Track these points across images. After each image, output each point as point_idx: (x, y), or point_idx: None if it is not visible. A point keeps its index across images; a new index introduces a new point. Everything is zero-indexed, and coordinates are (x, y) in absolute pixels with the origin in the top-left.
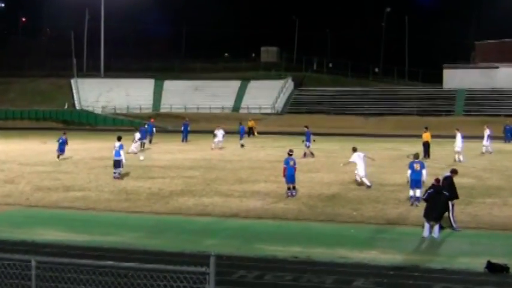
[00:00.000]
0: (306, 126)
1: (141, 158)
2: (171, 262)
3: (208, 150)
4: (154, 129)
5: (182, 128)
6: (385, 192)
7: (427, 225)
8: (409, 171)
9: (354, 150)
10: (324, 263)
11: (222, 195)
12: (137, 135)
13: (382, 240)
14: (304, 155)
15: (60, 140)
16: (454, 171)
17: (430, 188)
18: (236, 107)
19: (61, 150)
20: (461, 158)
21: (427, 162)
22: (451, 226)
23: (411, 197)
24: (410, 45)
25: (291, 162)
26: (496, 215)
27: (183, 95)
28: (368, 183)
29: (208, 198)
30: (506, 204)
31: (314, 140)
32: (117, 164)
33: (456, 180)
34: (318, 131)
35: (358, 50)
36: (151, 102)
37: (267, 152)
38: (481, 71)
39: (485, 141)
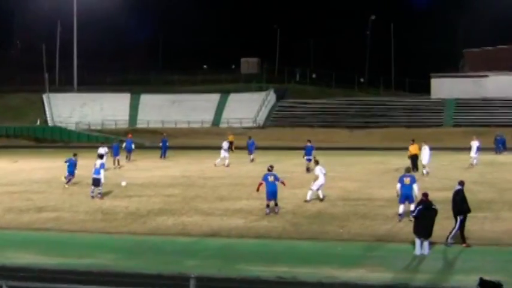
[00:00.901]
0: (309, 140)
1: (123, 183)
2: (149, 285)
3: (188, 166)
4: (133, 145)
5: (160, 144)
6: (373, 208)
7: (418, 242)
8: (398, 185)
9: (317, 163)
10: (310, 283)
11: (203, 214)
12: (101, 150)
13: (370, 258)
14: (308, 169)
15: (68, 163)
16: (463, 183)
17: (419, 203)
18: (216, 121)
19: (71, 173)
20: (425, 171)
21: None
22: (446, 240)
23: (399, 214)
24: (396, 54)
25: (270, 178)
26: (488, 229)
27: (160, 109)
28: (308, 197)
29: (188, 217)
30: (499, 218)
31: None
32: (96, 182)
33: (445, 194)
34: (302, 144)
35: (342, 60)
36: (127, 117)
37: (249, 168)
38: (470, 80)
39: (473, 153)
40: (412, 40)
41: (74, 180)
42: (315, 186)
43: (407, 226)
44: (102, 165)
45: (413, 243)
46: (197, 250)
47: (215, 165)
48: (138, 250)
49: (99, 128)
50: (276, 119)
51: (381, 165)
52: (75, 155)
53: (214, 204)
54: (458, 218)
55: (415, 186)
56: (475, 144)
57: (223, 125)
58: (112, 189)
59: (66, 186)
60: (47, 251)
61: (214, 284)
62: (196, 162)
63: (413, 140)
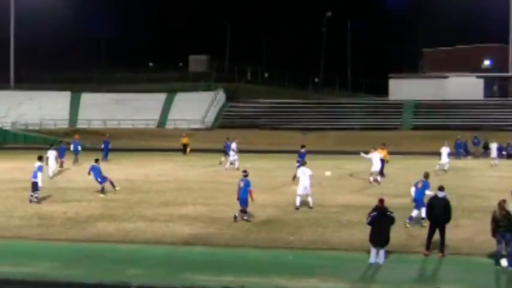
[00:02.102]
0: (303, 146)
1: (328, 173)
2: None
3: (131, 169)
4: (79, 147)
5: (102, 146)
6: (326, 215)
7: (373, 251)
8: (412, 189)
9: (303, 164)
10: None
11: (146, 220)
12: (50, 153)
13: (323, 267)
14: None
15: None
16: (443, 188)
17: (373, 210)
18: (162, 122)
19: (101, 179)
20: (378, 178)
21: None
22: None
23: (410, 217)
24: (353, 53)
25: (241, 184)
26: (447, 238)
27: (102, 108)
28: (297, 204)
29: (131, 223)
30: (458, 226)
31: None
32: (34, 186)
33: (402, 200)
34: (252, 147)
35: (296, 58)
36: (67, 117)
37: (196, 172)
38: (429, 81)
39: (444, 159)
40: (370, 39)
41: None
42: (300, 190)
43: (361, 233)
44: (39, 168)
45: (369, 251)
46: (140, 258)
47: (226, 169)
48: (77, 258)
49: (37, 128)
50: (225, 120)
51: (335, 170)
52: (96, 160)
53: (158, 210)
54: (446, 226)
55: (427, 192)
56: (445, 150)
57: (169, 126)
58: (49, 193)
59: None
60: None
61: None
62: (140, 166)
63: (384, 144)
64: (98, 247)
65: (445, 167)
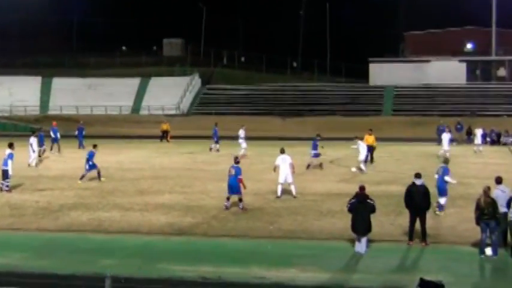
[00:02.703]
0: (318, 135)
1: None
2: (62, 286)
3: (105, 157)
4: (58, 134)
5: (76, 133)
6: (306, 203)
7: (356, 239)
8: (436, 176)
9: (281, 152)
10: (238, 283)
11: (121, 209)
12: (32, 139)
13: (302, 256)
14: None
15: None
16: (420, 175)
17: (353, 197)
18: (136, 108)
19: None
20: (362, 167)
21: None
22: (423, 240)
23: (439, 205)
24: (332, 37)
25: (232, 171)
26: (429, 226)
27: (74, 94)
28: (279, 193)
29: (105, 212)
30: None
31: (322, 147)
32: (4, 174)
33: (384, 188)
34: (229, 134)
35: (273, 42)
36: (38, 102)
37: (172, 159)
38: (411, 65)
39: (446, 147)
40: (349, 22)
41: None
42: (281, 179)
43: (341, 222)
44: (9, 156)
45: (349, 240)
46: (114, 248)
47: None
48: (50, 248)
49: (7, 114)
50: (201, 106)
51: None
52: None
53: (133, 199)
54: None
55: (447, 178)
56: (447, 136)
57: (143, 112)
58: (21, 181)
59: (80, 182)
60: None
61: (133, 285)
62: (114, 153)
63: (371, 130)
64: (70, 237)
65: (440, 152)
